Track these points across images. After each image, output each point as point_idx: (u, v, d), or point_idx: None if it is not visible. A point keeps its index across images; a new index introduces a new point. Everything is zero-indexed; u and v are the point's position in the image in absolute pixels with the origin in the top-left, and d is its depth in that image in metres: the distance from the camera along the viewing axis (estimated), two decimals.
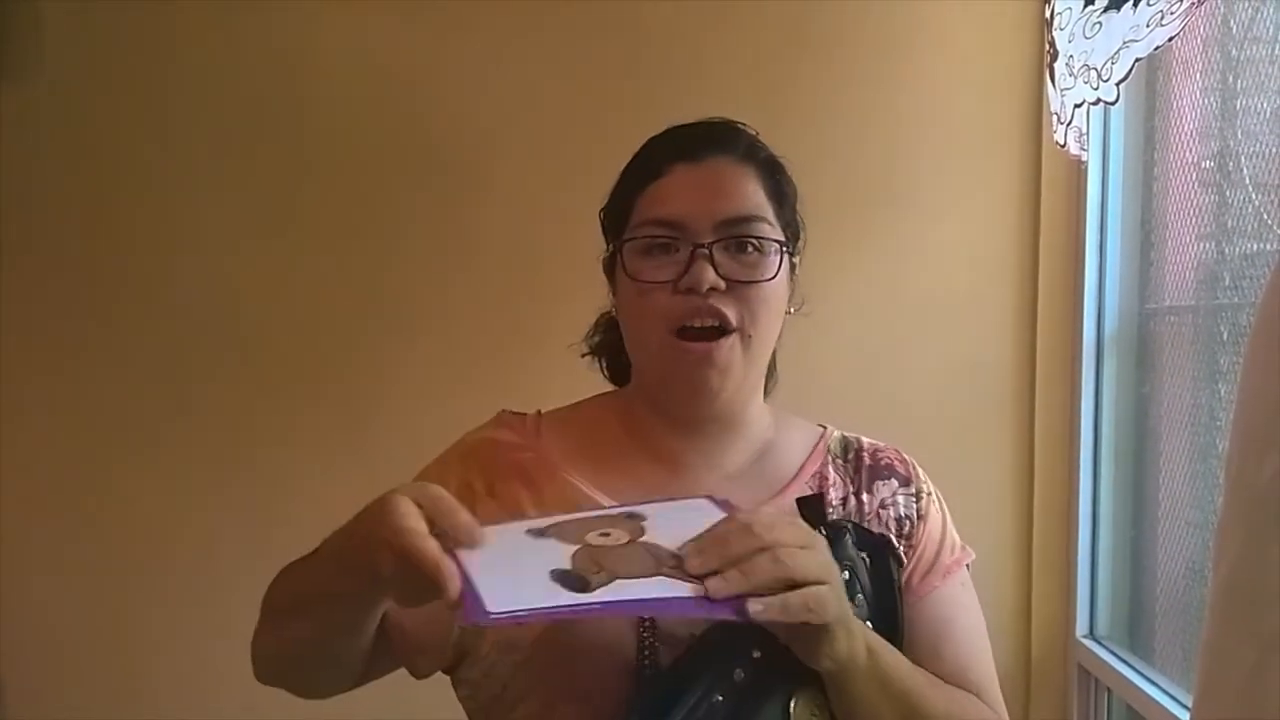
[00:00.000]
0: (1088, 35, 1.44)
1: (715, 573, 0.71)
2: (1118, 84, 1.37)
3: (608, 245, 0.98)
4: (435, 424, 1.77)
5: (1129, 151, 1.73)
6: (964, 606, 0.97)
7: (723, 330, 0.88)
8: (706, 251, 0.88)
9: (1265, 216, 1.37)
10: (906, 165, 1.80)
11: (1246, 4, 1.40)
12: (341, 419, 1.80)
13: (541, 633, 0.85)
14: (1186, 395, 1.56)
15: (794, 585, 0.72)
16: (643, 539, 0.75)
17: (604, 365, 1.05)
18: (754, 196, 0.91)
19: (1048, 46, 1.61)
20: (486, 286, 1.79)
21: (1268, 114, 1.36)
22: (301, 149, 1.79)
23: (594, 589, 0.70)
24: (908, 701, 0.83)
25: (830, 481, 0.96)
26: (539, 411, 1.00)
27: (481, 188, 1.79)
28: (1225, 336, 1.45)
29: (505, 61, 1.79)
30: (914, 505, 0.97)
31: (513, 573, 0.71)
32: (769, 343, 0.93)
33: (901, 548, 0.94)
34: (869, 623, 0.84)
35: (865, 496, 0.96)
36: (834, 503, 0.94)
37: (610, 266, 0.97)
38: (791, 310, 0.95)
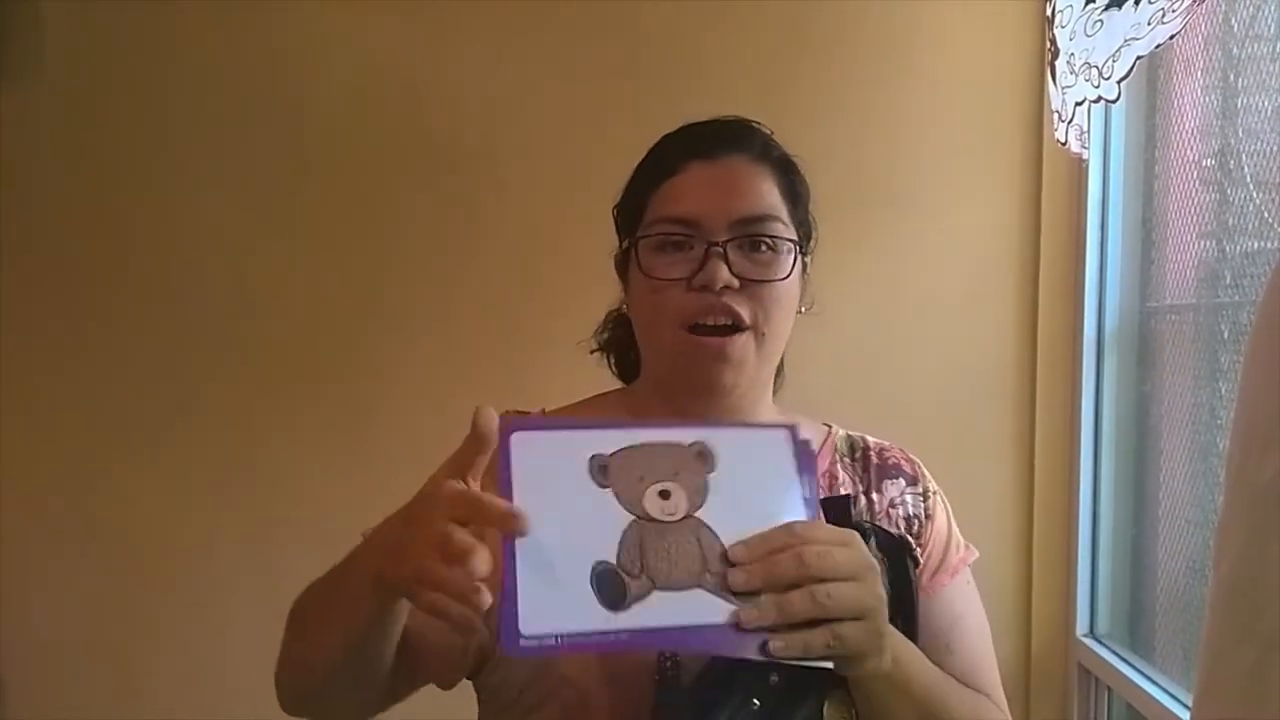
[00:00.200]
0: (1089, 33, 1.44)
1: (755, 591, 0.71)
2: (1119, 82, 1.37)
3: (621, 242, 0.98)
4: (435, 424, 1.78)
5: (1130, 149, 1.73)
6: (971, 604, 0.98)
7: (736, 328, 0.89)
8: (721, 250, 0.88)
9: (1266, 214, 1.37)
10: (907, 164, 1.80)
11: (1248, 2, 1.40)
12: (342, 419, 1.80)
13: None
14: (1187, 393, 1.56)
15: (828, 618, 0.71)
16: (700, 511, 0.74)
17: (612, 362, 1.05)
18: (769, 196, 0.92)
19: (1049, 44, 1.61)
20: (487, 286, 1.79)
21: (1269, 112, 1.36)
22: (302, 149, 1.79)
23: (629, 602, 0.70)
24: (929, 706, 0.83)
25: (839, 481, 0.96)
26: (543, 410, 1.00)
27: (482, 187, 1.79)
28: (1226, 335, 1.45)
29: (505, 61, 1.79)
30: (921, 504, 0.97)
31: (556, 566, 0.70)
32: (781, 341, 0.93)
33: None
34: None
35: (875, 496, 0.96)
36: None
37: (623, 263, 0.97)
38: (802, 310, 0.95)
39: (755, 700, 0.78)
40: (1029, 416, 1.81)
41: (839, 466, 0.97)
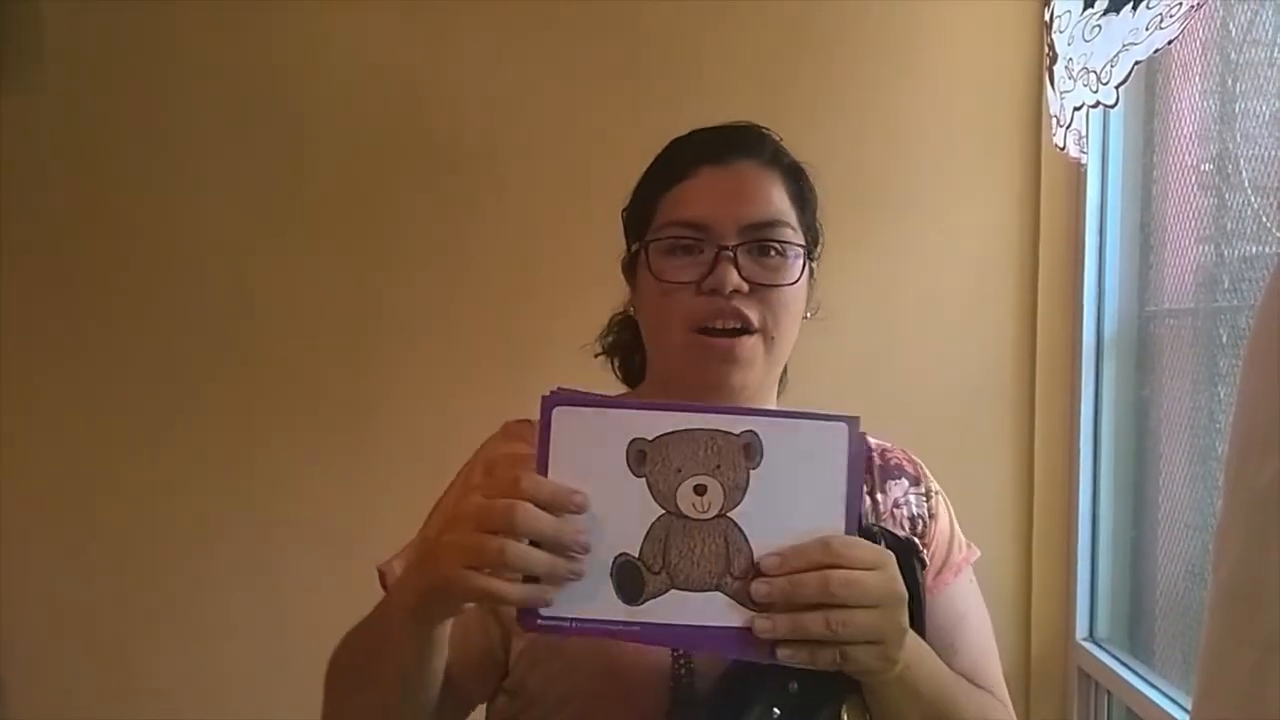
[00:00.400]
0: (1087, 38, 1.44)
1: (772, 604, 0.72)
2: (1117, 87, 1.37)
3: (629, 245, 0.98)
4: (435, 425, 1.80)
5: (1128, 154, 1.73)
6: (974, 602, 0.98)
7: (745, 330, 0.90)
8: (731, 254, 0.89)
9: (1264, 219, 1.37)
10: (907, 167, 1.80)
11: (1245, 7, 1.40)
12: (342, 419, 1.80)
13: (571, 643, 0.85)
14: (1186, 398, 1.56)
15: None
16: (734, 511, 0.73)
17: (616, 365, 1.05)
18: (778, 201, 0.93)
19: (1047, 49, 1.61)
20: (487, 287, 1.79)
21: (1266, 117, 1.36)
22: (301, 149, 1.79)
23: (644, 598, 0.72)
24: (939, 706, 0.84)
25: None
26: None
27: (482, 188, 1.79)
28: (1224, 339, 1.45)
29: (505, 61, 1.79)
30: (924, 504, 0.98)
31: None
32: (788, 345, 0.94)
33: None
34: None
35: (879, 496, 0.96)
36: None
37: (631, 266, 0.98)
38: (808, 315, 0.96)
39: (775, 709, 0.79)
40: (1028, 420, 1.81)
41: None
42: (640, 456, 0.73)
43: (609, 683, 0.85)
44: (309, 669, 1.87)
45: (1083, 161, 1.59)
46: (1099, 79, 1.41)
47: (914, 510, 0.97)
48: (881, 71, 1.80)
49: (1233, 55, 1.45)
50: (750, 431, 0.73)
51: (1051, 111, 1.61)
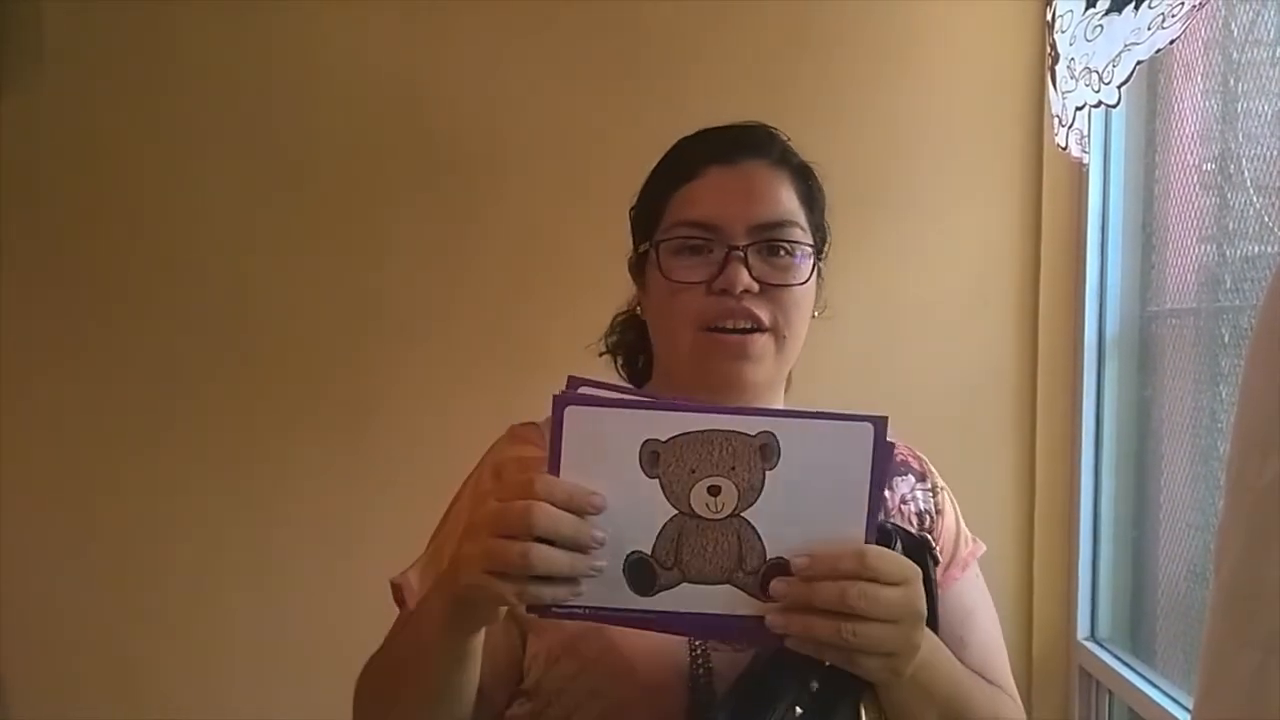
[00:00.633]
0: (1089, 38, 1.44)
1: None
2: (1119, 87, 1.37)
3: (636, 245, 0.98)
4: (435, 425, 1.80)
5: (1130, 154, 1.73)
6: (982, 597, 0.99)
7: (756, 329, 0.90)
8: (741, 254, 0.89)
9: (1266, 219, 1.37)
10: (908, 167, 1.80)
11: (1247, 7, 1.40)
12: (342, 419, 1.80)
13: (588, 643, 0.85)
14: (1188, 398, 1.56)
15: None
16: (748, 511, 0.72)
17: (619, 365, 1.05)
18: (788, 202, 0.93)
19: (1049, 49, 1.61)
20: (487, 287, 1.79)
21: (1269, 116, 1.36)
22: (302, 149, 1.79)
23: (656, 590, 0.72)
24: (952, 705, 0.84)
25: None
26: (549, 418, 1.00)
27: (483, 188, 1.79)
28: (1226, 339, 1.45)
29: (506, 61, 1.79)
30: (931, 500, 0.99)
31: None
32: (798, 344, 0.94)
33: None
34: None
35: (887, 493, 0.96)
36: None
37: (638, 266, 0.98)
38: (816, 314, 0.96)
39: (798, 708, 0.79)
40: (1030, 420, 1.81)
41: None
42: (654, 458, 0.72)
43: (627, 683, 0.85)
44: (309, 668, 1.88)
45: (1085, 161, 1.59)
46: (1101, 79, 1.41)
47: (921, 506, 0.98)
48: (882, 71, 1.80)
49: (1235, 55, 1.45)
50: (767, 433, 0.72)
51: (1053, 111, 1.61)
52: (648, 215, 0.96)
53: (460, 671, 0.80)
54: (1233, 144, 1.45)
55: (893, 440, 0.74)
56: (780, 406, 0.98)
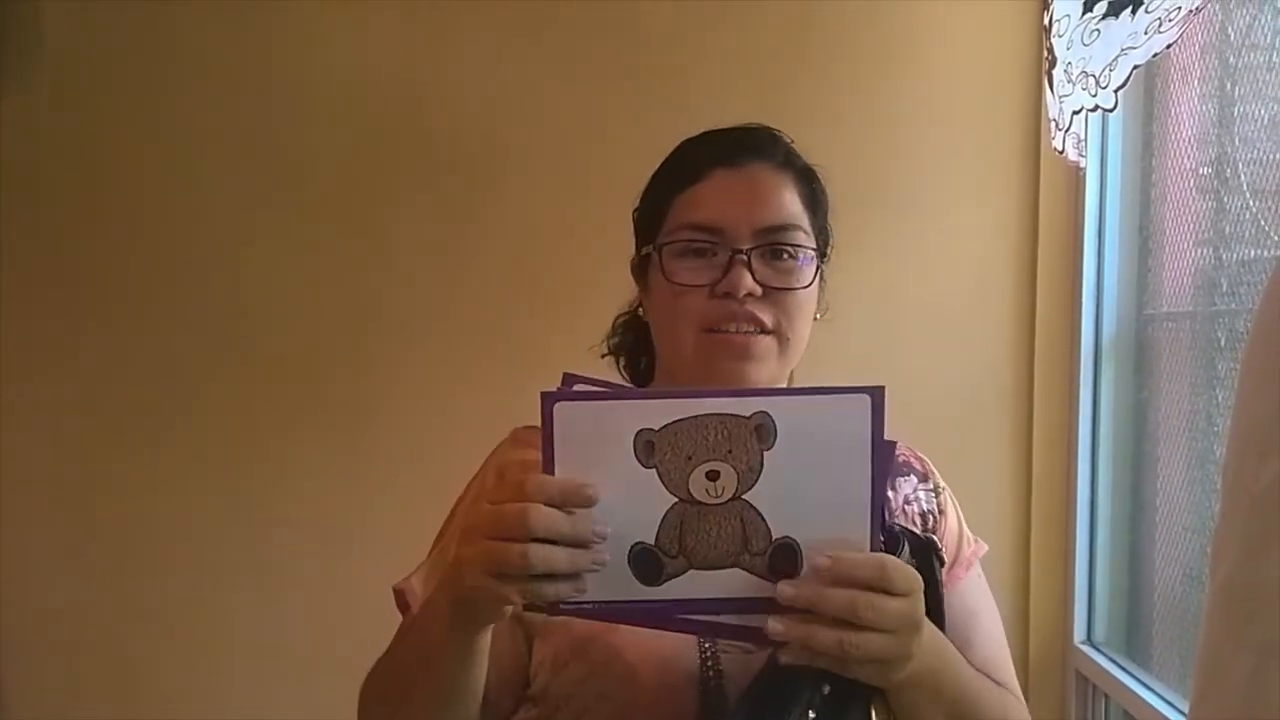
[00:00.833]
0: (1086, 42, 1.45)
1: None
2: (1116, 91, 1.37)
3: (639, 247, 0.98)
4: (435, 425, 1.80)
5: (1127, 158, 1.73)
6: (985, 597, 1.00)
7: (761, 333, 0.90)
8: (745, 258, 0.89)
9: (1263, 223, 1.37)
10: (906, 169, 1.80)
11: (1244, 11, 1.41)
12: (342, 419, 1.80)
13: (596, 647, 0.85)
14: (1184, 401, 1.56)
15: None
16: (749, 494, 0.71)
17: (621, 366, 1.06)
18: (792, 205, 0.93)
19: (1046, 53, 1.61)
20: (487, 287, 1.80)
21: (1265, 120, 1.37)
22: (301, 149, 1.79)
23: (663, 579, 0.71)
24: (959, 707, 0.84)
25: None
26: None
27: (483, 188, 1.79)
28: (1223, 342, 1.45)
29: (506, 61, 1.80)
30: (934, 500, 0.99)
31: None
32: (801, 347, 0.94)
33: None
34: None
35: (890, 494, 0.97)
36: None
37: (641, 268, 0.98)
38: (818, 316, 0.96)
39: (811, 712, 0.79)
40: (1026, 423, 1.81)
41: None
42: (648, 447, 0.71)
43: (636, 686, 0.84)
44: (309, 668, 1.88)
45: (1081, 165, 1.59)
46: (1098, 83, 1.41)
47: (924, 506, 0.98)
48: (881, 74, 1.80)
49: (1231, 59, 1.45)
50: (762, 413, 0.71)
51: (1050, 115, 1.61)
52: (651, 217, 0.96)
53: (466, 672, 0.80)
54: (1229, 148, 1.45)
55: (894, 440, 0.73)
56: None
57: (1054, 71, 1.56)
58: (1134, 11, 1.32)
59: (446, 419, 1.75)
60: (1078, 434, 1.75)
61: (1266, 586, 0.53)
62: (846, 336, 1.75)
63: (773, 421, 0.71)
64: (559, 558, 0.69)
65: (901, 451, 1.00)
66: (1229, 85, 1.46)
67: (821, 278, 0.95)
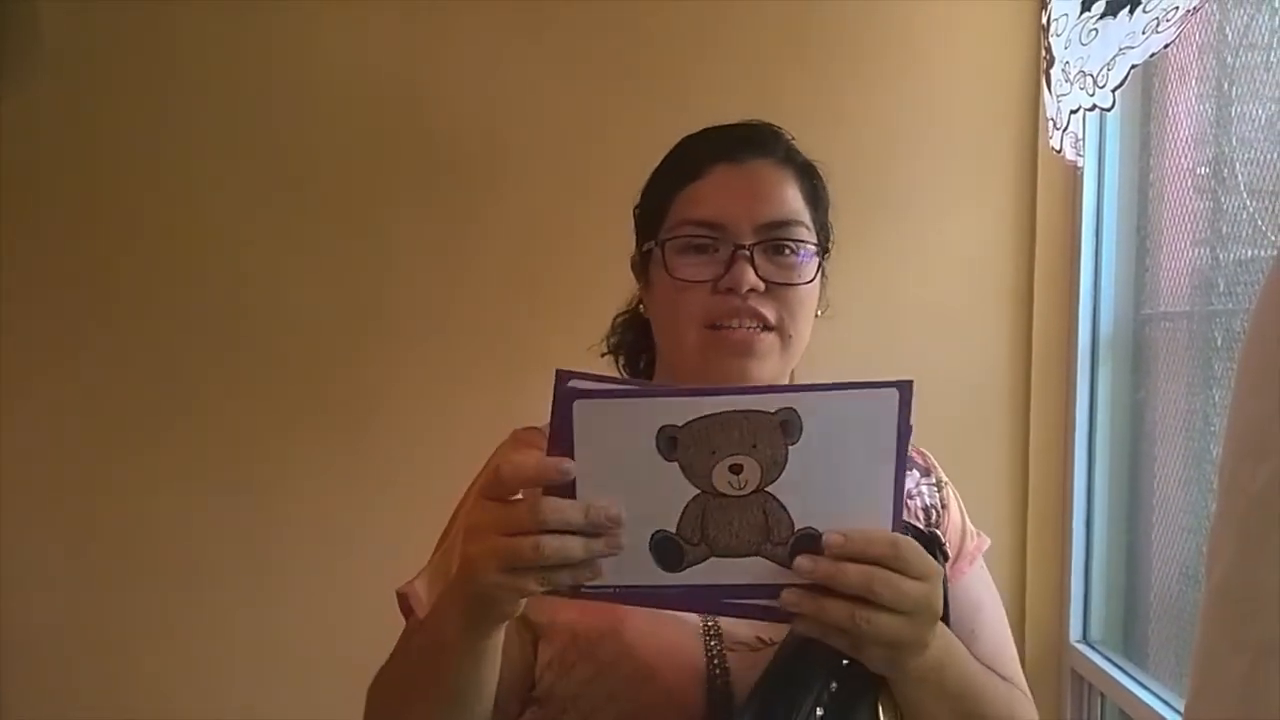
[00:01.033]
0: (1084, 42, 1.45)
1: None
2: (1114, 90, 1.38)
3: (640, 243, 0.98)
4: (435, 425, 1.80)
5: (1125, 157, 1.73)
6: (989, 590, 1.00)
7: (764, 328, 0.90)
8: (748, 253, 0.89)
9: (1260, 222, 1.37)
10: (903, 169, 1.81)
11: (1242, 11, 1.41)
12: (341, 420, 1.80)
13: (603, 647, 0.85)
14: (1181, 400, 1.57)
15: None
16: (773, 486, 0.71)
17: (621, 365, 1.06)
18: (793, 201, 0.93)
19: (1044, 53, 1.62)
20: (487, 287, 1.80)
21: (1263, 120, 1.37)
22: (301, 149, 1.79)
23: (684, 566, 0.71)
24: (964, 704, 0.84)
25: None
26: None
27: (483, 188, 1.80)
28: (1220, 342, 1.46)
29: (506, 61, 1.80)
30: (936, 495, 0.99)
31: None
32: (803, 344, 0.95)
33: None
34: None
35: None
36: None
37: (642, 264, 0.98)
38: (819, 313, 0.97)
39: (819, 709, 0.79)
40: (1023, 422, 1.82)
41: None
42: (671, 443, 0.70)
43: (644, 686, 0.84)
44: (308, 668, 1.88)
45: (1079, 164, 1.60)
46: (1095, 82, 1.41)
47: (927, 501, 0.98)
48: (880, 73, 1.80)
49: (1229, 59, 1.45)
50: (788, 409, 0.70)
51: (1048, 114, 1.62)
52: (652, 214, 0.96)
53: (479, 670, 0.79)
54: (1227, 148, 1.45)
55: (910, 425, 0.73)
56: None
57: (1052, 71, 1.57)
58: (1132, 11, 1.33)
59: (446, 419, 1.75)
60: (1074, 433, 1.75)
61: (1263, 586, 0.53)
62: (843, 335, 1.75)
63: (798, 417, 0.70)
64: (573, 546, 0.69)
65: None
66: (1226, 85, 1.46)
67: (823, 274, 0.95)
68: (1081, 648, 1.74)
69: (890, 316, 1.81)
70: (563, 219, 1.78)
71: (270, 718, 1.74)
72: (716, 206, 0.91)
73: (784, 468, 0.71)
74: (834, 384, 0.72)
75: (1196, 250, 1.54)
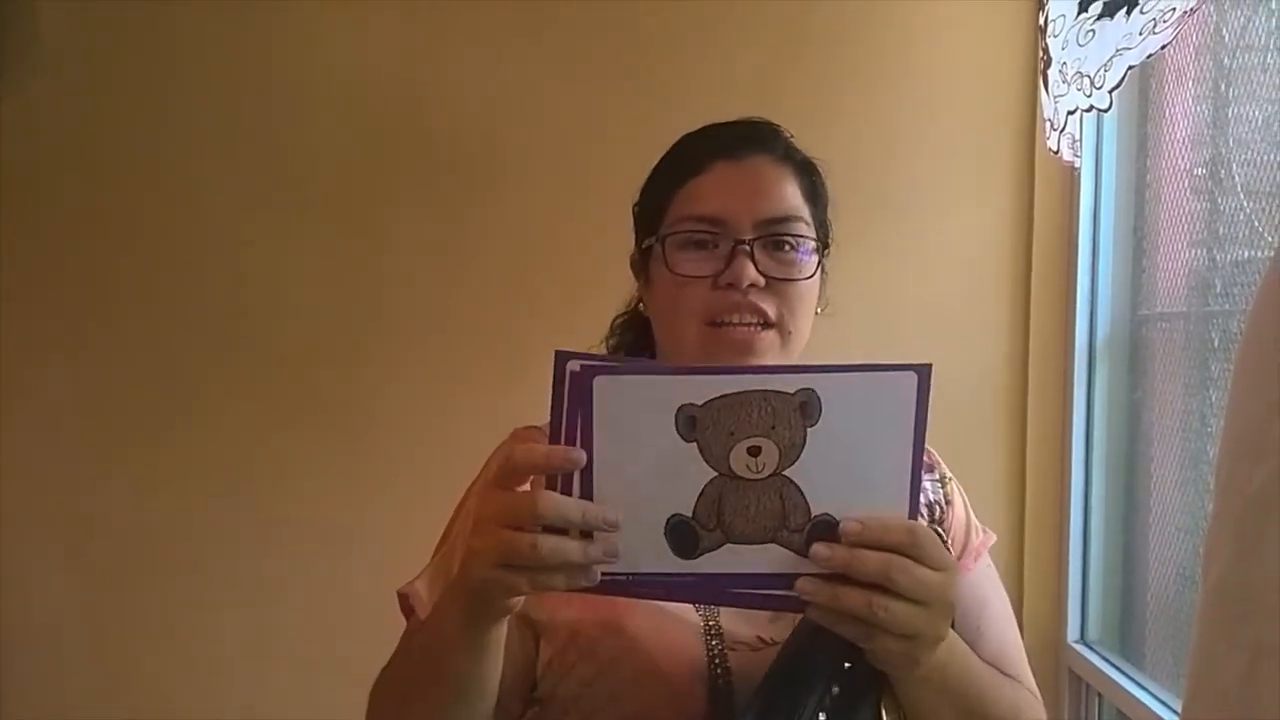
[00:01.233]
0: (1081, 43, 1.45)
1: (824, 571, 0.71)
2: (1111, 91, 1.38)
3: (639, 240, 0.99)
4: (435, 426, 1.80)
5: (1122, 158, 1.74)
6: (995, 587, 1.00)
7: (764, 325, 0.90)
8: (748, 249, 0.90)
9: (1256, 223, 1.38)
10: (901, 170, 1.81)
11: (1239, 12, 1.41)
12: (341, 420, 1.80)
13: (604, 647, 0.85)
14: (1178, 401, 1.57)
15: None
16: (791, 469, 0.70)
17: None
18: (793, 197, 0.94)
19: (1041, 54, 1.62)
20: (487, 287, 1.80)
21: (1259, 121, 1.37)
22: (301, 149, 1.79)
23: (699, 553, 0.71)
24: (969, 703, 0.83)
25: None
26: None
27: (482, 188, 1.80)
28: (1216, 343, 1.46)
29: (506, 61, 1.80)
30: (940, 491, 0.99)
31: (632, 512, 0.71)
32: (803, 340, 0.95)
33: None
34: None
35: None
36: None
37: (642, 261, 0.98)
38: (819, 310, 0.97)
39: (821, 714, 0.78)
40: (1020, 423, 1.82)
41: None
42: (690, 422, 0.70)
43: (644, 687, 0.84)
44: (307, 668, 1.88)
45: (1076, 165, 1.60)
46: (1093, 83, 1.42)
47: (931, 497, 0.98)
48: (877, 74, 1.81)
49: (1226, 60, 1.46)
50: (807, 390, 0.70)
51: (1045, 115, 1.62)
52: (652, 210, 0.96)
53: (480, 666, 0.79)
54: (1223, 149, 1.46)
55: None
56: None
57: (1049, 72, 1.57)
58: (1129, 12, 1.33)
59: (446, 419, 1.76)
60: (1072, 433, 1.76)
61: (1259, 587, 0.53)
62: (841, 334, 1.75)
63: (818, 399, 0.70)
64: (570, 548, 0.69)
65: None
66: (1223, 86, 1.46)
67: (823, 271, 0.96)
68: (1079, 648, 1.74)
69: (889, 316, 1.81)
70: (563, 219, 1.78)
71: (270, 718, 1.74)
72: (716, 202, 0.91)
73: (802, 450, 0.70)
74: (853, 365, 0.72)
75: (1193, 251, 1.55)
